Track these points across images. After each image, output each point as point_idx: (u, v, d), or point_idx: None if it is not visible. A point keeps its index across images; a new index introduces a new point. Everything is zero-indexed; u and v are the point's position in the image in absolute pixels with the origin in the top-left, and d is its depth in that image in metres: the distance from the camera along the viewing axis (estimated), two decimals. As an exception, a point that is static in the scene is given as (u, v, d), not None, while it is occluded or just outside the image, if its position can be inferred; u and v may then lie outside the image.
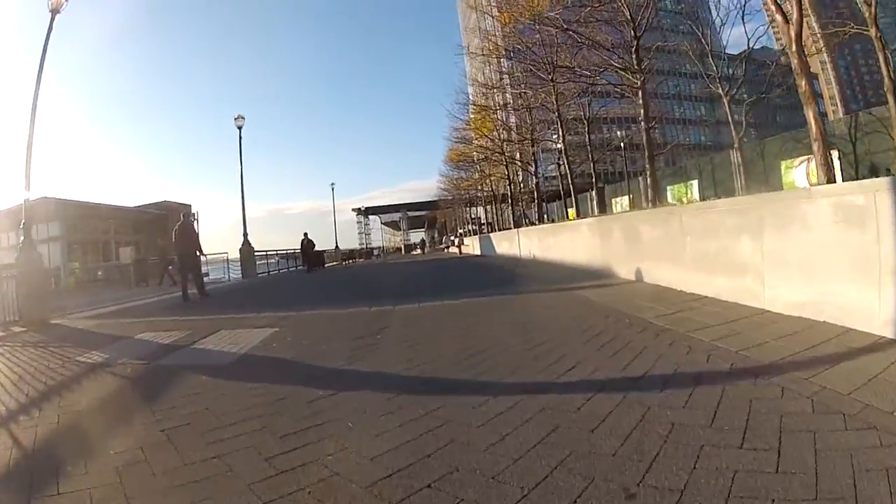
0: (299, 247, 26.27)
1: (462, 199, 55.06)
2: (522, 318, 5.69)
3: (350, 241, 71.71)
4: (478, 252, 30.63)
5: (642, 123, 17.15)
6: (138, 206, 37.71)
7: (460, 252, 36.12)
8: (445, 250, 54.74)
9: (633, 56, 16.19)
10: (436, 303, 7.58)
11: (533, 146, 28.46)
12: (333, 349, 4.79)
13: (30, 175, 8.89)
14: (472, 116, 33.02)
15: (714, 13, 26.50)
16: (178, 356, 5.06)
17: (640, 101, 16.21)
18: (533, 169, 29.49)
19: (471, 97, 33.29)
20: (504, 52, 25.09)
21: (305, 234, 25.82)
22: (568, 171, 23.80)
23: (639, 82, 16.34)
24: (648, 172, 16.35)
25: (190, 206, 36.61)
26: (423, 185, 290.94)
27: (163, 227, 37.57)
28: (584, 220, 13.41)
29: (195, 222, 33.03)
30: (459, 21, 76.81)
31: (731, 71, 27.60)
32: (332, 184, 47.52)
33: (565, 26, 18.72)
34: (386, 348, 4.70)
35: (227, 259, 21.69)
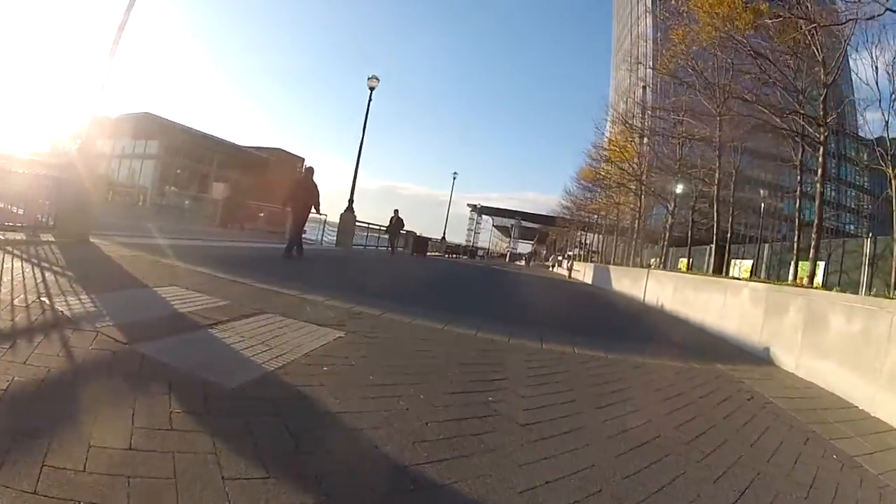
0: (387, 224, 23.64)
1: (580, 222, 53.28)
2: (687, 411, 3.76)
3: (456, 236, 70.61)
4: (588, 280, 28.41)
5: (816, 186, 15.27)
6: (249, 147, 38.25)
7: (569, 276, 33.75)
8: (550, 268, 53.29)
9: (820, 105, 14.47)
10: (564, 348, 5.37)
11: (676, 182, 25.88)
12: (410, 411, 2.82)
13: (105, 83, 7.80)
14: (612, 138, 30.84)
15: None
16: (175, 344, 3.32)
17: (813, 160, 14.92)
18: (671, 207, 26.86)
19: (614, 113, 31.08)
20: (672, 71, 22.81)
21: (396, 212, 23.49)
22: (716, 218, 21.27)
23: (821, 137, 14.24)
24: (813, 245, 14.46)
25: (304, 159, 36.35)
26: (543, 198, 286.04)
27: (268, 172, 38.20)
28: (748, 282, 10.99)
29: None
30: (613, 32, 73.58)
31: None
32: (455, 174, 46.51)
33: (753, 51, 16.55)
34: (502, 438, 2.65)
35: (325, 221, 20.45)
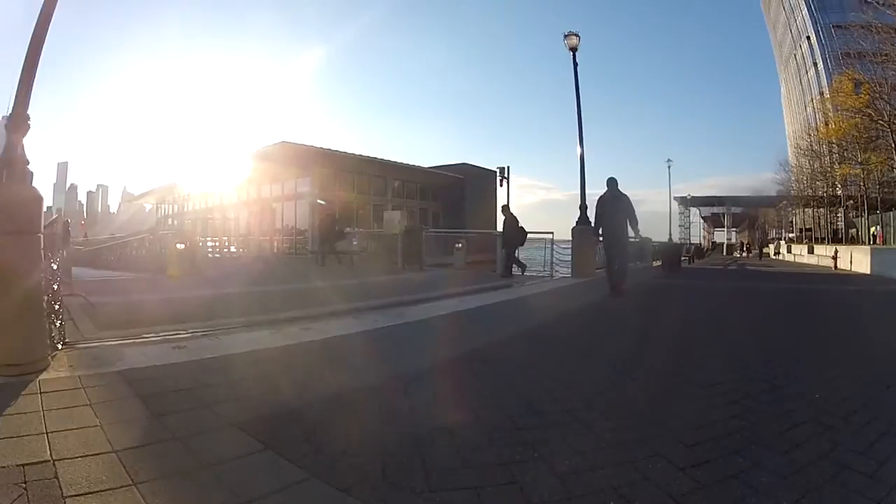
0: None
1: (797, 198, 48.77)
2: None
3: (659, 234, 66.14)
4: (865, 270, 23.34)
5: None
6: (430, 167, 37.06)
7: (835, 266, 28.31)
8: (775, 255, 49.76)
9: None
10: None
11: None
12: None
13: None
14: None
15: None
16: None
17: None
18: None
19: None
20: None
21: (505, 209, 15.86)
22: None
23: None
24: None
25: (496, 171, 33.43)
26: (725, 181, 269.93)
27: (458, 193, 36.22)
28: None
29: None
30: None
31: None
32: (669, 161, 42.67)
33: None
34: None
35: (553, 241, 15.60)
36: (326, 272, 14.56)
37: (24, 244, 3.88)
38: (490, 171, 35.20)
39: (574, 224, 14.60)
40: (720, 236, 74.77)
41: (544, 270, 15.38)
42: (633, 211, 9.86)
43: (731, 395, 3.61)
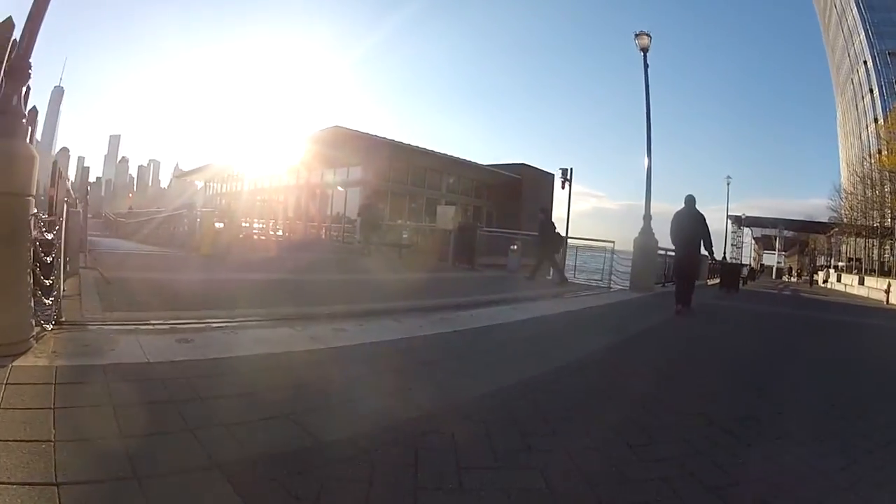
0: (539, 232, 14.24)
1: (849, 226, 47.01)
2: None
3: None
4: None
5: None
6: (488, 165, 35.83)
7: (887, 300, 26.19)
8: (824, 283, 47.96)
9: None
10: None
11: None
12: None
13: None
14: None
15: None
16: None
17: None
18: None
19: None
20: None
21: (545, 213, 14.84)
22: None
23: None
24: None
25: (553, 174, 32.56)
26: (769, 204, 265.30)
27: (513, 195, 35.20)
28: None
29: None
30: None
31: None
32: (728, 177, 41.09)
33: None
34: None
35: (613, 251, 14.86)
36: (373, 265, 13.95)
37: (8, 207, 3.30)
38: (548, 173, 34.23)
39: (636, 235, 13.97)
40: (769, 259, 73.32)
41: (602, 281, 14.48)
42: (709, 231, 9.84)
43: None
